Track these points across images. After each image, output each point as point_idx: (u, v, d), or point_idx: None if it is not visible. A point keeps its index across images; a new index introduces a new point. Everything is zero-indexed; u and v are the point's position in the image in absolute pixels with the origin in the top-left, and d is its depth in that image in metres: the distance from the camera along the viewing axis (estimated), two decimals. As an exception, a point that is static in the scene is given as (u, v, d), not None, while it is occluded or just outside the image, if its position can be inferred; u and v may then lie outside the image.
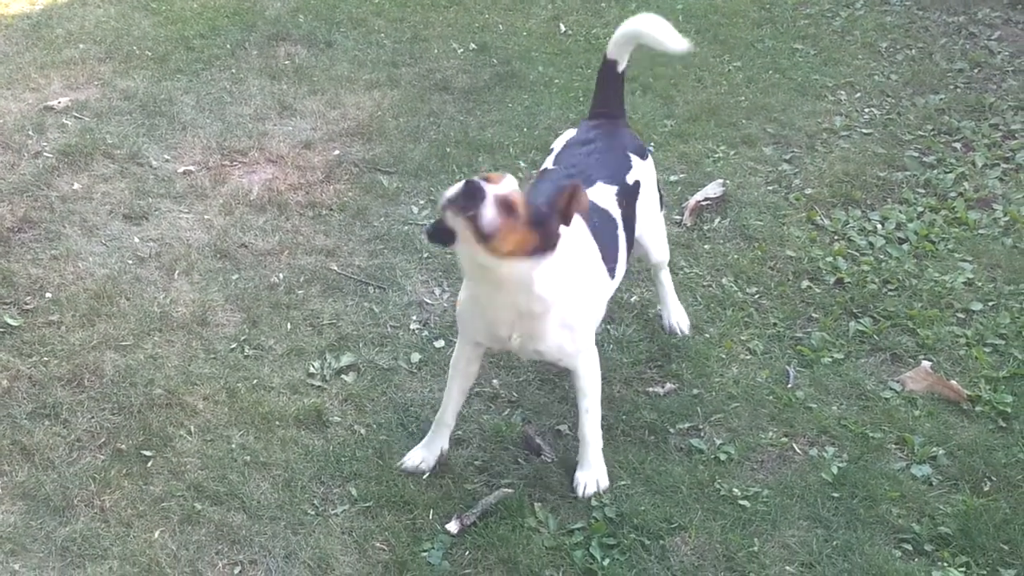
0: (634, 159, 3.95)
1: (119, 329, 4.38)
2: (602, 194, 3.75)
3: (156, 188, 5.38)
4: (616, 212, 3.75)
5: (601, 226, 3.64)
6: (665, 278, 4.39)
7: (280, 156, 5.72)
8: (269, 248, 4.94)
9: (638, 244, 4.05)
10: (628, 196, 3.85)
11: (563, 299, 3.35)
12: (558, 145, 4.04)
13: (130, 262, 4.81)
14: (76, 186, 5.37)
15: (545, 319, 3.37)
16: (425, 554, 3.45)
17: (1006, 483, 3.69)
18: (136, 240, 4.97)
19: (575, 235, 3.39)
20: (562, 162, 3.90)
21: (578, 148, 3.95)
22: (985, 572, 3.36)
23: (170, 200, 5.30)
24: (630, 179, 3.88)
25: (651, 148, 5.79)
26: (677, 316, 4.42)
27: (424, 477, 3.74)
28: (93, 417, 3.95)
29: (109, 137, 5.83)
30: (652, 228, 4.11)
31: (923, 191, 5.45)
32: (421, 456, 3.77)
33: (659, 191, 4.18)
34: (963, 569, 3.37)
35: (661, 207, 4.22)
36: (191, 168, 5.58)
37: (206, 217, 5.15)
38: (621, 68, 4.10)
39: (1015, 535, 3.47)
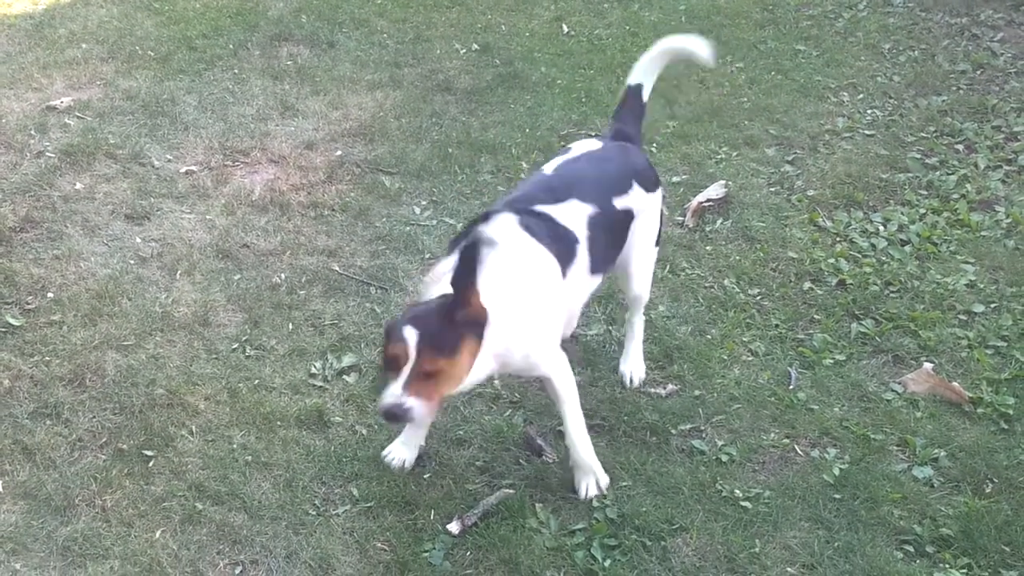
0: (635, 186, 3.79)
1: (121, 329, 4.39)
2: (572, 212, 3.59)
3: (158, 188, 5.39)
4: (581, 231, 3.58)
5: (557, 241, 3.52)
6: (638, 324, 4.20)
7: (282, 156, 5.72)
8: (271, 248, 4.94)
9: (621, 274, 3.97)
10: (608, 219, 3.69)
11: (510, 330, 3.32)
12: (576, 149, 3.91)
13: (132, 262, 4.81)
14: (78, 186, 5.38)
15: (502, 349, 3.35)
16: (426, 554, 3.45)
17: (1008, 485, 3.69)
18: (138, 240, 4.98)
19: (507, 271, 3.35)
20: (559, 171, 3.78)
21: (585, 164, 3.82)
22: (987, 574, 3.35)
23: (172, 200, 5.30)
24: (619, 205, 3.73)
25: (654, 148, 5.81)
26: (634, 366, 4.21)
27: (426, 477, 3.74)
28: (95, 417, 3.95)
29: (111, 137, 5.83)
30: (640, 259, 3.95)
31: (925, 193, 5.44)
32: (403, 456, 3.78)
33: (660, 227, 4.03)
34: (964, 571, 3.36)
35: (657, 243, 4.03)
36: (193, 168, 5.58)
37: (208, 217, 5.15)
38: (646, 97, 4.07)
39: (1017, 537, 3.46)
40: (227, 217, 5.17)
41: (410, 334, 3.12)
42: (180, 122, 6.04)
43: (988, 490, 3.68)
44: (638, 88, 4.06)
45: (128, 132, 5.90)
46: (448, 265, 3.33)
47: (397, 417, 3.15)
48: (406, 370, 3.12)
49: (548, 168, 3.81)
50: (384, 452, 3.81)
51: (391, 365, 3.16)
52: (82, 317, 4.44)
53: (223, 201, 5.29)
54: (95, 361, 4.20)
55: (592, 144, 3.94)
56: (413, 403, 3.13)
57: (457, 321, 3.15)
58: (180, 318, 4.47)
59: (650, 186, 3.88)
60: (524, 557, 3.42)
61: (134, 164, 5.60)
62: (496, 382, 4.16)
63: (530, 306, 3.39)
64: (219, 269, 4.79)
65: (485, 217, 3.48)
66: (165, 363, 4.22)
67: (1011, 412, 3.99)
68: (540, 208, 3.54)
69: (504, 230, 3.43)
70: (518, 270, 3.38)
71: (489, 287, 3.24)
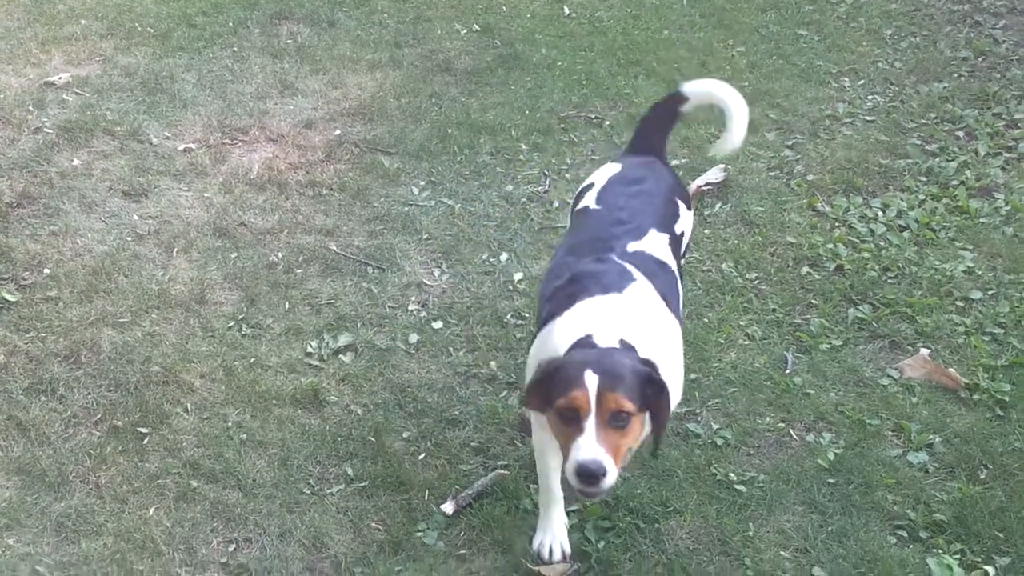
0: (681, 207, 3.61)
1: (117, 306, 4.38)
2: (657, 244, 3.35)
3: (156, 165, 5.37)
4: (673, 264, 3.38)
5: (666, 285, 3.26)
6: None
7: (281, 135, 5.70)
8: (268, 227, 4.93)
9: None
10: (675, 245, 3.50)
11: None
12: (599, 179, 3.64)
13: (129, 239, 4.80)
14: (76, 162, 5.36)
15: None
16: (420, 534, 3.45)
17: (1002, 471, 3.69)
18: (135, 217, 4.96)
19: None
20: (607, 201, 3.51)
21: (625, 188, 3.55)
22: (980, 559, 3.35)
23: (170, 177, 5.28)
24: (677, 229, 3.53)
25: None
26: None
27: (421, 457, 3.74)
28: (90, 393, 3.96)
29: (109, 114, 5.81)
30: None
31: (925, 179, 5.43)
32: (548, 543, 3.42)
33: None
34: (958, 556, 3.36)
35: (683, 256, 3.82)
36: (191, 146, 5.56)
37: (206, 195, 5.14)
38: (687, 107, 3.83)
39: (1010, 523, 3.47)
40: (225, 195, 5.15)
41: (590, 379, 2.71)
42: (179, 99, 6.01)
43: (982, 476, 3.68)
44: (681, 97, 3.83)
45: (126, 109, 5.88)
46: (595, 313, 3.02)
47: (595, 478, 2.67)
48: (591, 422, 2.70)
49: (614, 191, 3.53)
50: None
51: (567, 417, 2.74)
52: (78, 293, 4.43)
53: (221, 179, 5.27)
54: (91, 338, 4.20)
55: (610, 168, 3.70)
56: (610, 463, 2.69)
57: (653, 382, 2.80)
58: (176, 296, 4.46)
59: (688, 203, 3.75)
60: (518, 538, 3.43)
61: (132, 141, 5.57)
62: (493, 364, 4.16)
63: (674, 365, 3.12)
64: (216, 247, 4.78)
65: (610, 266, 3.18)
66: (161, 340, 4.22)
67: (1007, 399, 3.98)
68: (657, 256, 3.30)
69: (639, 290, 3.13)
70: (664, 335, 3.10)
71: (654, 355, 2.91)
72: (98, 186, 5.17)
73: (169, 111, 5.89)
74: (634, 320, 3.00)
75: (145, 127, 5.70)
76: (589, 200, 3.55)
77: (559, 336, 2.99)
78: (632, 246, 3.27)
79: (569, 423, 2.74)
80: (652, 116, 3.94)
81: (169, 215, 4.98)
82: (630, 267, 3.17)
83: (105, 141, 5.56)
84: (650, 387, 2.78)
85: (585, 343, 2.89)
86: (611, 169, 3.68)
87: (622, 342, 2.88)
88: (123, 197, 5.11)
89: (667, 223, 3.45)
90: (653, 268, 3.23)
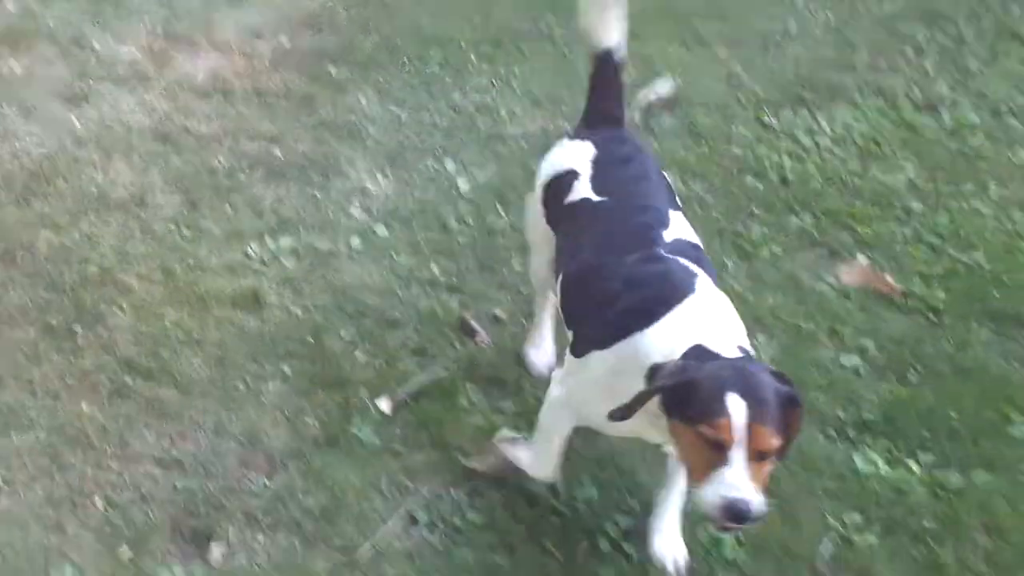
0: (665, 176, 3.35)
1: (55, 208, 4.34)
2: (683, 226, 3.08)
3: (98, 71, 5.29)
4: (701, 244, 3.10)
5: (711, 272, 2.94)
6: None
7: (227, 43, 5.62)
8: (212, 133, 4.88)
9: None
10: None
11: None
12: (579, 164, 3.20)
13: (68, 143, 4.74)
14: (16, 68, 5.27)
15: None
16: (355, 430, 3.47)
17: (932, 374, 3.74)
18: (76, 122, 4.90)
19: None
20: (610, 190, 3.12)
21: (620, 170, 3.21)
22: (904, 455, 3.42)
23: (112, 83, 5.20)
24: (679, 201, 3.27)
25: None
26: None
27: (358, 356, 3.75)
28: (25, 293, 3.93)
29: (52, 21, 5.71)
30: None
31: (872, 95, 5.44)
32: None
33: None
34: (885, 453, 3.43)
35: None
36: (135, 52, 5.47)
37: (147, 98, 5.07)
38: (619, 56, 3.36)
39: (937, 423, 3.53)
40: (168, 102, 5.08)
41: (737, 406, 2.40)
42: (123, 7, 5.90)
43: (912, 379, 3.73)
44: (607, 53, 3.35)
45: (70, 17, 5.77)
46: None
47: (743, 518, 2.41)
48: (739, 454, 2.42)
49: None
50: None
51: (713, 446, 2.44)
52: (15, 196, 4.39)
53: (164, 85, 5.20)
54: (27, 239, 4.16)
55: (579, 147, 3.29)
56: (760, 500, 2.42)
57: (793, 401, 2.51)
58: (116, 199, 4.42)
59: None
60: (453, 435, 3.45)
61: (74, 47, 5.48)
62: (434, 267, 4.16)
63: None
64: (158, 152, 4.73)
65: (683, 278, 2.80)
66: (99, 242, 4.18)
67: (940, 306, 4.04)
68: (690, 240, 3.03)
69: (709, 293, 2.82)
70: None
71: None
72: (38, 91, 5.09)
73: (114, 19, 5.78)
74: (727, 322, 2.76)
75: (88, 34, 5.60)
76: (583, 190, 3.13)
77: (655, 349, 2.65)
78: (666, 235, 2.96)
79: (711, 449, 2.45)
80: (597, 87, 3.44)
81: (110, 120, 4.92)
82: (685, 261, 2.85)
83: (47, 47, 5.46)
84: (789, 406, 2.50)
85: (700, 353, 2.58)
86: (583, 150, 3.25)
87: (742, 349, 2.63)
88: (64, 102, 5.03)
89: (674, 199, 3.24)
90: (695, 255, 2.94)
